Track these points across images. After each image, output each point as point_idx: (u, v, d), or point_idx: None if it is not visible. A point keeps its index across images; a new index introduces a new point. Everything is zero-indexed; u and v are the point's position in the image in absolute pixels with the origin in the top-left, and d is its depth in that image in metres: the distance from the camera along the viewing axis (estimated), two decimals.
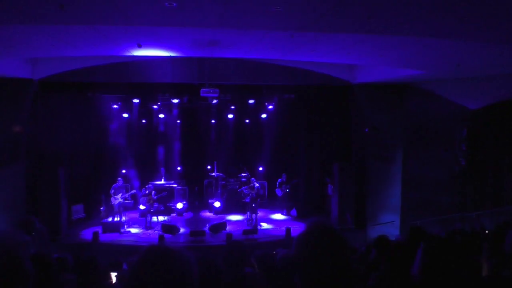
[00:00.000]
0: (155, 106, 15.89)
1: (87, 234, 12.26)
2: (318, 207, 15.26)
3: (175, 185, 15.64)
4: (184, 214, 15.23)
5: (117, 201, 13.00)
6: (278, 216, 15.12)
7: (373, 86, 12.17)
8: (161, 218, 13.74)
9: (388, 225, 12.08)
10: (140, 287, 1.50)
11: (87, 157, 14.36)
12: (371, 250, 4.39)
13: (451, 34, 6.45)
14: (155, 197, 13.33)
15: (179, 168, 17.12)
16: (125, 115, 15.73)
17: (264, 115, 16.58)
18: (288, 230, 11.94)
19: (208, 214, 15.52)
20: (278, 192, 15.38)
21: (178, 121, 16.96)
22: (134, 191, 14.15)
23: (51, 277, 3.77)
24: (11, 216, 11.10)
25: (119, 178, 13.43)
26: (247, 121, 17.64)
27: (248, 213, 13.75)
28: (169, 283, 1.51)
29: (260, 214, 14.09)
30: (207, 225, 12.81)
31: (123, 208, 13.28)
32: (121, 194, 13.09)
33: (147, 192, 13.44)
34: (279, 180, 15.40)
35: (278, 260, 3.64)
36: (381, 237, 4.93)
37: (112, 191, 13.05)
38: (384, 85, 12.23)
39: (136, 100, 15.03)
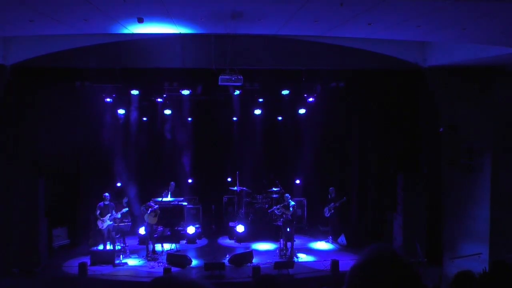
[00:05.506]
0: (159, 99, 16.14)
1: (72, 265, 12.49)
2: (375, 233, 15.07)
3: (185, 203, 15.77)
4: (197, 241, 15.38)
5: (105, 225, 13.09)
6: (321, 245, 15.09)
7: (451, 70, 12.00)
8: (167, 246, 13.88)
9: (473, 258, 11.80)
10: None
11: (73, 165, 14.65)
12: None
13: None
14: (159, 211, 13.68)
15: (190, 181, 17.30)
16: (121, 111, 16.03)
17: (302, 110, 16.55)
18: (334, 263, 11.90)
19: (228, 241, 15.63)
20: (326, 212, 15.30)
21: (190, 119, 17.16)
22: (126, 209, 14.30)
23: None
24: None
25: (106, 194, 13.39)
26: (279, 118, 17.70)
27: (281, 240, 13.75)
28: None
29: (296, 242, 14.10)
30: (228, 255, 12.91)
31: (116, 233, 13.51)
32: (109, 215, 13.19)
33: (148, 211, 13.61)
34: (328, 196, 15.35)
35: None
36: (462, 275, 4.82)
37: (98, 211, 13.11)
38: (466, 69, 12.01)
39: (135, 92, 15.26)
